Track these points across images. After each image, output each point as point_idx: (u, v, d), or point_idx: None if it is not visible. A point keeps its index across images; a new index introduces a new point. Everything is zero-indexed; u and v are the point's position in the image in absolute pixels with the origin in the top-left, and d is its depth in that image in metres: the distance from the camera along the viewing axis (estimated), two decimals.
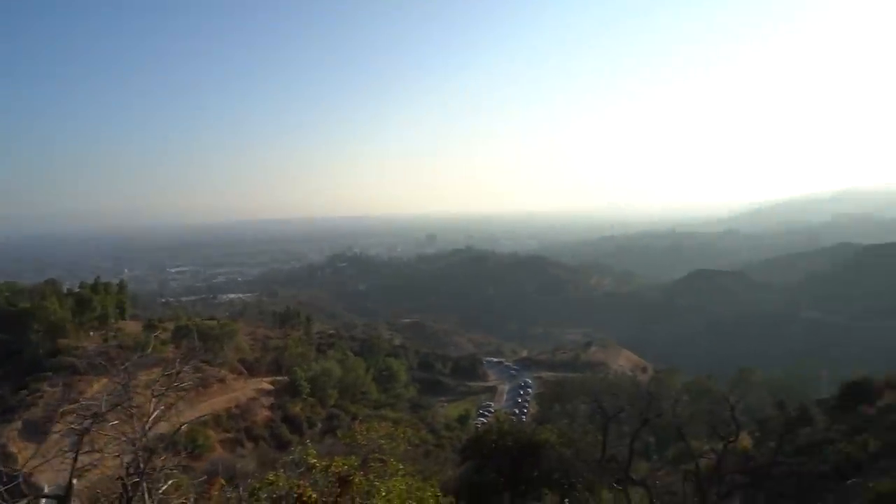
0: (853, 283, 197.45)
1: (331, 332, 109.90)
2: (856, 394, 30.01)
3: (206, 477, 11.22)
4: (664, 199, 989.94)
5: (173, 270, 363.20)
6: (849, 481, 12.27)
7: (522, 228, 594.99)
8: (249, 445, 52.10)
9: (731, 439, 11.11)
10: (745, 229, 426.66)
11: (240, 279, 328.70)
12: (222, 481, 9.60)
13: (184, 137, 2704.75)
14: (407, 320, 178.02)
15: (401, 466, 10.20)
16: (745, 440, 23.10)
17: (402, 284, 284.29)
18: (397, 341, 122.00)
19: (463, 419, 75.31)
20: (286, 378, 67.02)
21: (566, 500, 13.55)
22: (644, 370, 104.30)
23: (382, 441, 13.07)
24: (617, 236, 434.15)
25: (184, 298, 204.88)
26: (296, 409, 60.11)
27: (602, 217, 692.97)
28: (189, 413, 44.56)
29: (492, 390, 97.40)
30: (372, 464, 10.66)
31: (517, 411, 77.23)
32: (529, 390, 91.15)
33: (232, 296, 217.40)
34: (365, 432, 13.18)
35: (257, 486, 9.16)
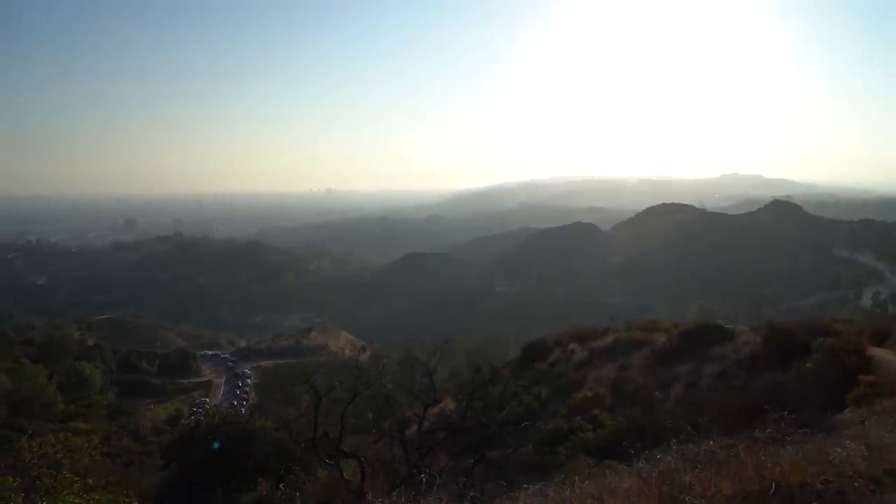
0: (531, 259, 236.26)
1: None
2: (532, 353, 35.20)
3: None
4: (378, 187, 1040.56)
5: None
6: (521, 425, 14.57)
7: (238, 212, 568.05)
8: None
9: (429, 403, 12.23)
10: (448, 215, 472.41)
11: None
12: None
13: None
14: (103, 316, 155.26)
15: (76, 479, 8.95)
16: (450, 403, 25.45)
17: (96, 276, 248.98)
18: (91, 341, 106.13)
19: (173, 420, 69.47)
20: None
21: (281, 484, 13.43)
22: (363, 349, 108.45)
23: (60, 455, 11.68)
24: (335, 221, 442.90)
25: None
26: None
27: (320, 202, 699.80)
28: None
29: (207, 385, 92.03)
30: (40, 481, 9.18)
31: (236, 403, 74.82)
32: (248, 381, 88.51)
33: None
34: (37, 448, 11.66)
35: None
